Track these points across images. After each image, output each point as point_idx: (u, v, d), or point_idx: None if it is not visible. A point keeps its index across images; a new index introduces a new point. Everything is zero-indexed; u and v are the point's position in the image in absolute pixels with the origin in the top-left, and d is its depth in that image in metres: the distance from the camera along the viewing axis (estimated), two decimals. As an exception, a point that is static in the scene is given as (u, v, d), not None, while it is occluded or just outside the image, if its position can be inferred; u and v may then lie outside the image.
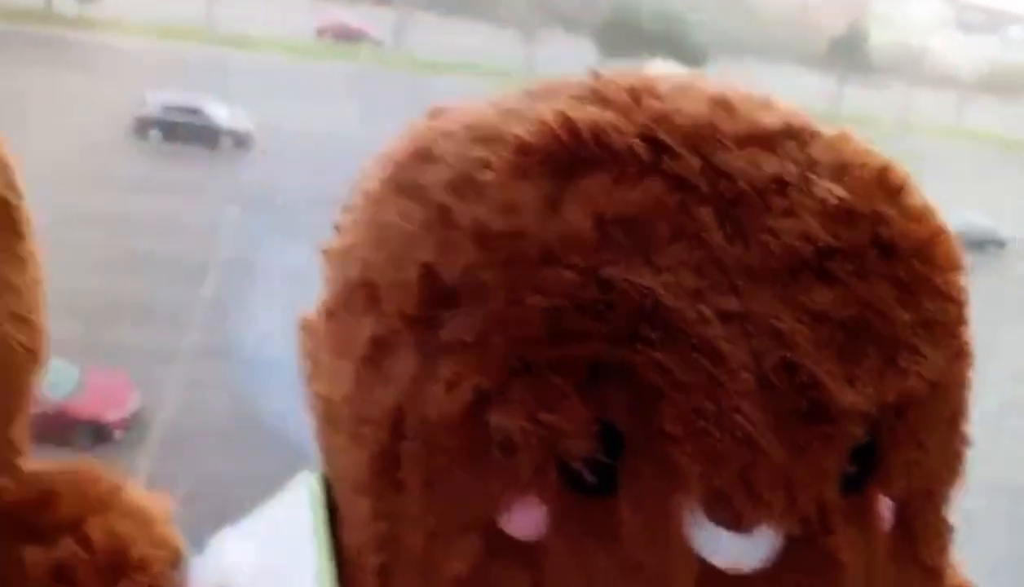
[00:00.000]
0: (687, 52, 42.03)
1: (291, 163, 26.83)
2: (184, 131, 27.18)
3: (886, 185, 0.52)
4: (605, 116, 0.50)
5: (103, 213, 22.08)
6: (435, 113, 0.57)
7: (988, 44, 72.76)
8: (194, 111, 27.72)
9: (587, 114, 0.49)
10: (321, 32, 42.11)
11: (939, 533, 0.55)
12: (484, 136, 0.51)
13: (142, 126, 27.25)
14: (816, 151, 0.53)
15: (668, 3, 46.63)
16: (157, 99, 27.68)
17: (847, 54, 46.46)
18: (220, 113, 28.12)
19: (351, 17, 43.03)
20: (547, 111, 0.50)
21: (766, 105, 0.60)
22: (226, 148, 27.77)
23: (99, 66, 33.13)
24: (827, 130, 0.58)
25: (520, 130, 0.49)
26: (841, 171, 0.51)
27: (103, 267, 19.63)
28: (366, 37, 41.88)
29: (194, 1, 39.23)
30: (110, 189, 23.65)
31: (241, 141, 28.05)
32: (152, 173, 25.14)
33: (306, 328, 0.60)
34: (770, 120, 0.55)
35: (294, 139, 28.69)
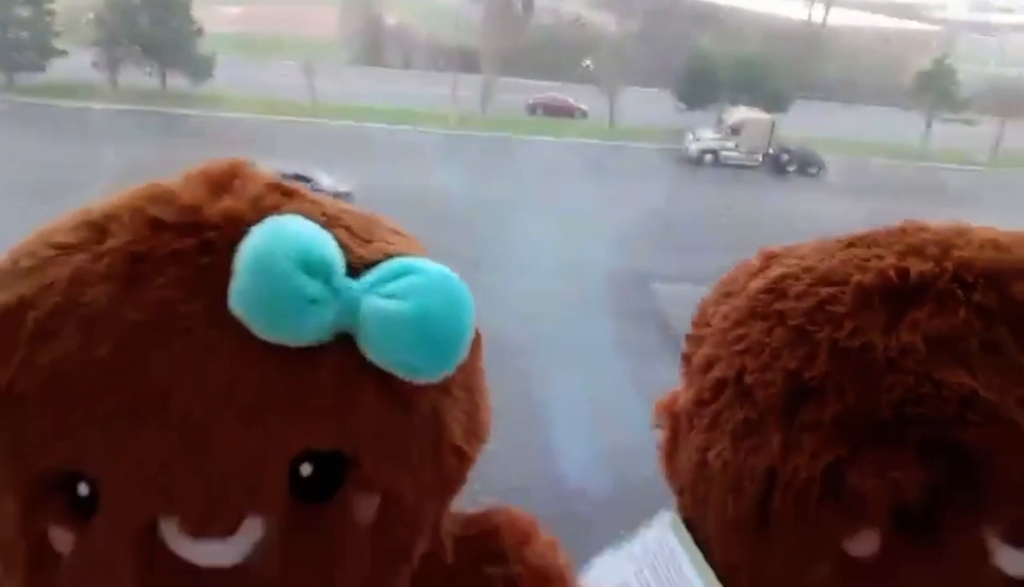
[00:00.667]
0: (768, 97, 42.34)
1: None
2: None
3: None
4: (927, 266, 0.69)
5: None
6: (767, 256, 0.78)
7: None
8: (301, 179, 29.69)
9: (912, 265, 0.68)
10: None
11: None
12: (829, 280, 0.69)
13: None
14: None
15: (744, 50, 47.11)
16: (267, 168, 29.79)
17: (935, 90, 45.75)
18: (324, 180, 30.00)
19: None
20: (882, 263, 0.69)
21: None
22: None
23: (213, 138, 36.13)
24: None
25: (860, 277, 0.69)
26: None
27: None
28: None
29: (291, 76, 42.26)
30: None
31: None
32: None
33: (669, 408, 0.82)
34: None
35: (392, 199, 30.41)
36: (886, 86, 50.14)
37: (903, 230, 0.75)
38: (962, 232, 0.75)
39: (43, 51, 39.86)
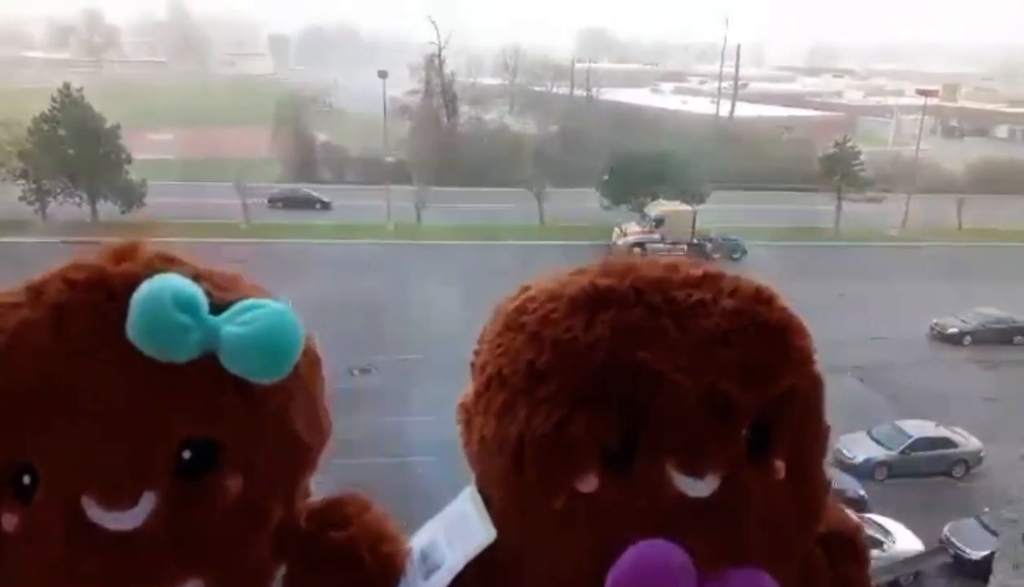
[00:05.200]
0: (687, 189, 44.45)
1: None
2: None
3: (760, 296, 1.04)
4: (612, 281, 1.02)
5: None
6: (522, 288, 1.10)
7: (976, 146, 75.91)
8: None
9: (603, 281, 1.02)
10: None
11: (818, 482, 1.07)
12: (553, 298, 1.03)
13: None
14: (720, 284, 1.04)
15: (663, 146, 49.49)
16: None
17: (841, 172, 48.68)
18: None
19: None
20: (584, 280, 1.03)
21: (697, 264, 1.08)
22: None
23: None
24: (729, 273, 1.06)
25: (570, 292, 1.02)
26: (733, 292, 1.03)
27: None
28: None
29: (225, 197, 42.63)
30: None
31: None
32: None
33: (464, 405, 1.13)
34: (695, 272, 1.05)
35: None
36: (796, 171, 53.14)
37: (607, 261, 1.10)
38: (651, 261, 1.08)
39: (-34, 188, 39.50)
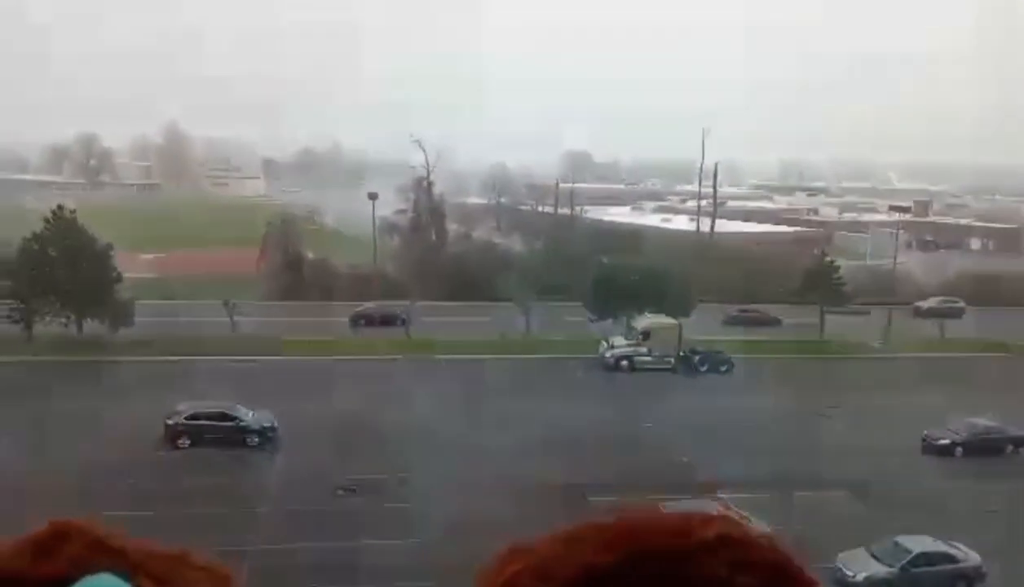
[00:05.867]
0: (671, 304, 45.12)
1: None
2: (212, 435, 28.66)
3: (787, 571, 0.91)
4: (609, 558, 0.89)
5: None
6: (513, 551, 0.96)
7: (951, 258, 78.17)
8: (226, 417, 29.31)
9: (599, 560, 0.89)
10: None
11: None
12: (542, 578, 0.91)
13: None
14: (739, 552, 0.90)
15: (644, 262, 50.55)
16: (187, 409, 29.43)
17: (822, 286, 49.69)
18: (247, 416, 29.73)
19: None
20: (582, 559, 0.90)
21: (709, 520, 0.94)
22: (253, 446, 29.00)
23: (135, 384, 35.54)
24: (750, 531, 0.93)
25: (563, 573, 0.90)
26: (753, 566, 0.89)
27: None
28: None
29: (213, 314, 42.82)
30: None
31: (267, 439, 29.37)
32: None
33: None
34: (708, 534, 0.91)
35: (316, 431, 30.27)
36: (777, 285, 54.13)
37: (600, 524, 0.97)
38: (657, 521, 0.96)
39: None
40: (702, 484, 26.67)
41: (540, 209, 74.52)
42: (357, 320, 46.66)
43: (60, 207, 43.55)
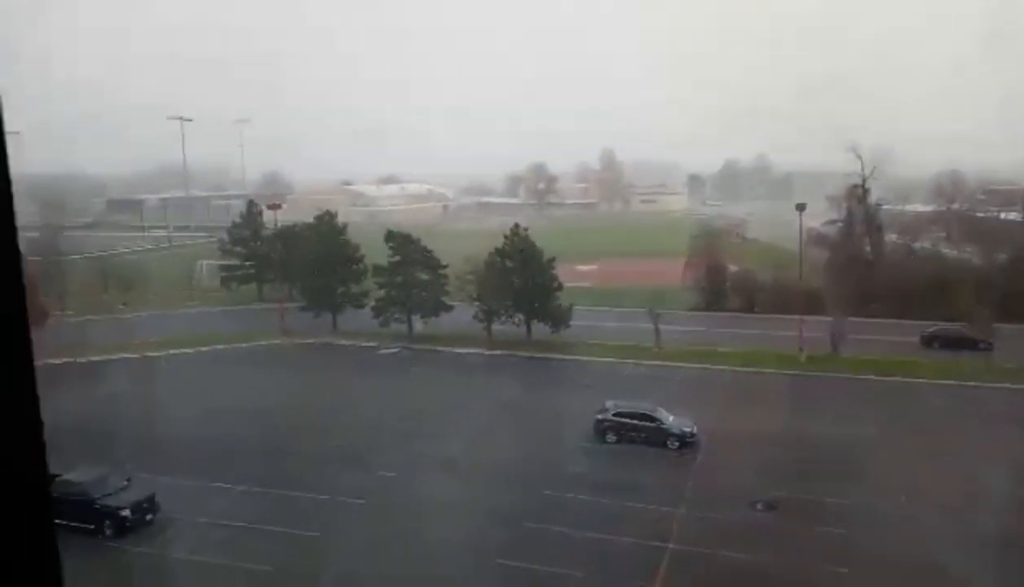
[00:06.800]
0: None
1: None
2: (636, 434, 30.23)
3: None
4: None
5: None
6: None
7: None
8: (647, 418, 30.76)
9: None
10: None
11: None
12: None
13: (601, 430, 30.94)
14: None
15: None
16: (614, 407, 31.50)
17: None
18: (668, 419, 30.76)
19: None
20: None
21: None
22: (672, 449, 29.82)
23: (570, 379, 39.45)
24: None
25: None
26: None
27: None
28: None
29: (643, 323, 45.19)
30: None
31: (687, 444, 29.97)
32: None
33: None
34: None
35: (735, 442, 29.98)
36: None
37: None
38: None
39: (436, 307, 48.11)
40: None
41: (1003, 216, 63.90)
42: (930, 341, 43.23)
43: (517, 225, 50.13)
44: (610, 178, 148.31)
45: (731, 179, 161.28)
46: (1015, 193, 67.17)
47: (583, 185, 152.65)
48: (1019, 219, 63.01)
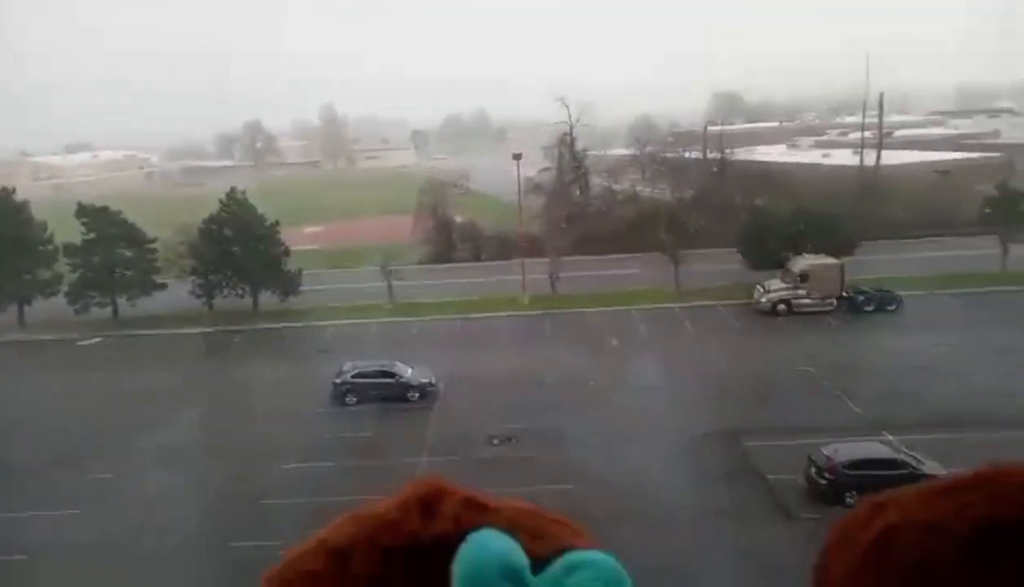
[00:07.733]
0: (832, 244, 42.48)
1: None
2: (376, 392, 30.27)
3: None
4: (1013, 512, 0.77)
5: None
6: (873, 506, 0.87)
7: None
8: (386, 374, 30.86)
9: (999, 512, 0.72)
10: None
11: None
12: (931, 532, 0.79)
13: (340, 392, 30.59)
14: None
15: (804, 201, 47.65)
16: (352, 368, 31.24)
17: (1005, 213, 44.97)
18: (407, 373, 31.11)
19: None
20: (975, 513, 0.76)
21: None
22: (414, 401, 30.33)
23: (304, 346, 38.37)
24: None
25: (958, 528, 0.77)
26: None
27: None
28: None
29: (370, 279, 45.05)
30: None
31: (426, 394, 30.60)
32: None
33: None
34: None
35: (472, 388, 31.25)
36: (952, 217, 49.83)
37: (989, 476, 0.85)
38: None
39: (145, 286, 43.88)
40: (867, 426, 25.53)
41: (687, 155, 72.08)
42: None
43: (232, 189, 47.03)
44: (332, 134, 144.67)
45: (453, 134, 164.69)
46: (696, 135, 75.85)
47: (304, 143, 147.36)
48: (700, 157, 71.40)
